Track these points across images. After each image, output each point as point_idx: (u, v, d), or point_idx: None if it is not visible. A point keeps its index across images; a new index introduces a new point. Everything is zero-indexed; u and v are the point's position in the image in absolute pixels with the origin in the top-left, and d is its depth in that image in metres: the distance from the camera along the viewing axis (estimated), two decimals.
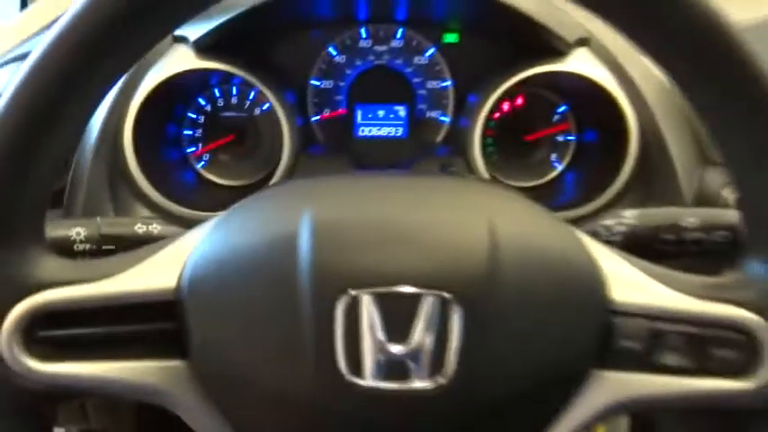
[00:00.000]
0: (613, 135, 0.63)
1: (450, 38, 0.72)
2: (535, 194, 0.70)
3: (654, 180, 0.61)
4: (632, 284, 0.37)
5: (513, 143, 0.71)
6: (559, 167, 0.71)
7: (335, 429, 0.34)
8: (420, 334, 0.33)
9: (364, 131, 0.72)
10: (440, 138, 0.73)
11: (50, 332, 0.35)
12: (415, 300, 0.33)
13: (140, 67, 0.62)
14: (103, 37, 0.33)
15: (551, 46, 0.63)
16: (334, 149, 0.71)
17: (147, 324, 0.36)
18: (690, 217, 0.45)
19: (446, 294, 0.33)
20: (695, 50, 0.33)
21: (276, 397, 0.34)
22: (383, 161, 0.71)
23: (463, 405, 0.34)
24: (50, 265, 0.36)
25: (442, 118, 0.73)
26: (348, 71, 0.72)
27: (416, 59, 0.72)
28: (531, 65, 0.64)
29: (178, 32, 0.63)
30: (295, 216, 0.36)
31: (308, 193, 0.38)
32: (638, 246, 0.46)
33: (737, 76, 0.33)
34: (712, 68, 0.33)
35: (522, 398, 0.35)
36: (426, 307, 0.33)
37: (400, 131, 0.72)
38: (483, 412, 0.35)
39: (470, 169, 0.66)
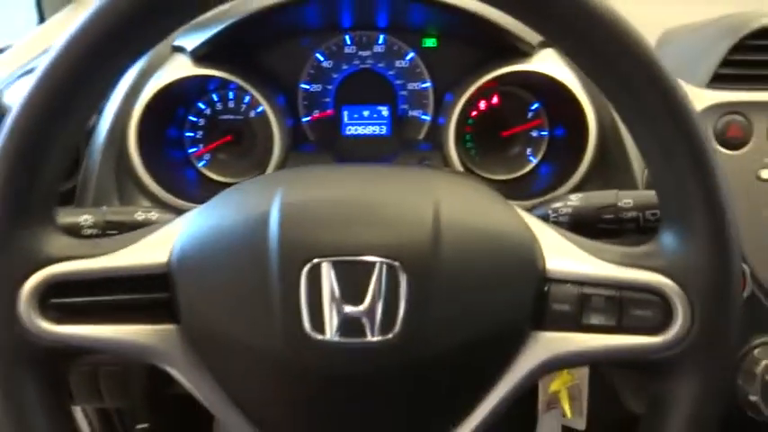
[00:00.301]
0: (577, 130, 0.68)
1: (429, 42, 0.77)
2: (512, 186, 0.75)
3: (612, 170, 0.66)
4: (564, 255, 0.43)
5: (490, 139, 0.76)
6: (534, 161, 0.76)
7: (302, 379, 0.40)
8: (372, 297, 0.39)
9: (351, 130, 0.78)
10: (421, 135, 0.79)
11: (61, 300, 0.42)
12: (368, 267, 0.39)
13: (143, 76, 0.68)
14: (112, 36, 0.39)
15: (517, 48, 0.69)
16: (324, 147, 0.77)
17: (143, 294, 0.42)
18: (626, 198, 0.50)
19: (394, 263, 0.39)
20: (598, 53, 0.38)
21: (252, 352, 0.40)
22: (368, 157, 0.77)
23: (410, 358, 0.39)
24: (60, 243, 0.42)
25: (423, 117, 0.79)
26: (335, 75, 0.78)
27: (398, 63, 0.78)
28: (500, 66, 0.69)
29: (176, 43, 0.70)
30: (266, 199, 0.42)
31: (279, 181, 0.44)
32: (583, 225, 0.51)
33: (638, 76, 0.38)
34: (614, 70, 0.38)
35: (465, 354, 0.41)
36: (378, 274, 0.39)
37: (384, 130, 0.78)
38: (429, 365, 0.40)
39: (446, 163, 0.72)
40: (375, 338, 0.39)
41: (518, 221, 0.43)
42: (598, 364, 0.44)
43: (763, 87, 0.63)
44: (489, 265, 0.41)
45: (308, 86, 0.78)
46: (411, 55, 0.78)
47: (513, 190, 0.72)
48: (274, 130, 0.71)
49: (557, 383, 0.61)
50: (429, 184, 0.44)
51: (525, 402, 0.62)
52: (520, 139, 0.76)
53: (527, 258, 0.42)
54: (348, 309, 0.39)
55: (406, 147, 0.77)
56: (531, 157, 0.76)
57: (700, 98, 0.63)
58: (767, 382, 0.55)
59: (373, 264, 0.39)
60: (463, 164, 0.72)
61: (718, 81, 0.63)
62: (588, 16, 0.37)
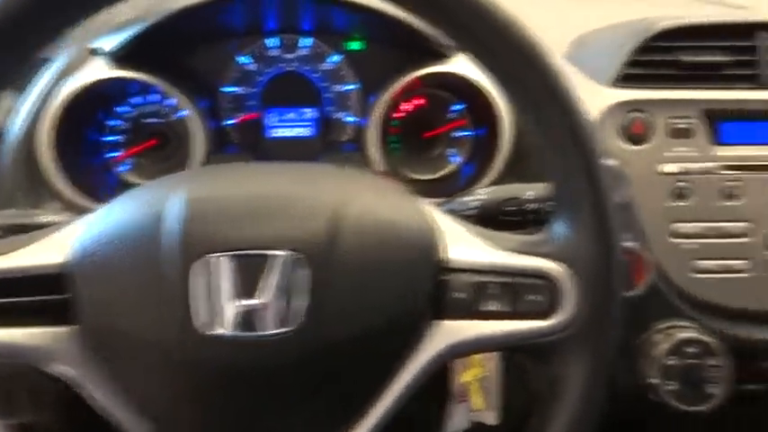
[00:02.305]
0: (494, 129, 0.70)
1: (354, 45, 0.78)
2: (435, 185, 0.77)
3: (528, 167, 0.68)
4: (464, 245, 0.44)
5: (413, 140, 0.77)
6: (457, 160, 0.78)
7: (198, 374, 0.40)
8: (270, 290, 0.39)
9: (276, 132, 0.78)
10: (346, 137, 0.79)
11: None
12: (266, 261, 0.39)
13: (59, 78, 0.67)
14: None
15: (436, 50, 0.70)
16: (247, 150, 0.77)
17: (37, 295, 0.41)
18: (528, 191, 0.52)
19: (292, 256, 0.39)
20: (497, 58, 0.40)
21: (147, 349, 0.40)
22: (293, 159, 0.77)
23: (309, 350, 0.40)
24: None
25: (348, 118, 0.79)
26: (259, 78, 0.78)
27: (322, 65, 0.79)
28: (420, 67, 0.71)
29: (94, 45, 0.69)
30: (165, 196, 0.41)
31: (182, 179, 0.44)
32: (490, 218, 0.53)
33: (533, 79, 0.40)
34: (513, 75, 0.40)
35: (365, 344, 0.41)
36: (276, 267, 0.39)
37: (309, 132, 0.78)
38: (328, 356, 0.41)
39: (368, 164, 0.73)
40: (272, 332, 0.39)
41: (419, 214, 0.44)
42: (496, 350, 0.45)
43: (664, 86, 0.66)
44: (387, 255, 0.42)
45: (232, 89, 0.78)
46: (336, 57, 0.78)
47: (436, 189, 0.74)
48: (196, 133, 0.71)
49: (467, 375, 0.62)
50: (331, 180, 0.44)
51: (435, 397, 0.62)
52: (442, 139, 0.78)
53: (426, 249, 0.43)
54: (244, 303, 0.39)
55: (330, 149, 0.77)
56: (453, 157, 0.78)
57: (607, 96, 0.66)
58: (664, 364, 0.57)
59: (272, 257, 0.39)
60: (387, 165, 0.73)
61: (624, 80, 0.66)
62: (482, 18, 0.39)
